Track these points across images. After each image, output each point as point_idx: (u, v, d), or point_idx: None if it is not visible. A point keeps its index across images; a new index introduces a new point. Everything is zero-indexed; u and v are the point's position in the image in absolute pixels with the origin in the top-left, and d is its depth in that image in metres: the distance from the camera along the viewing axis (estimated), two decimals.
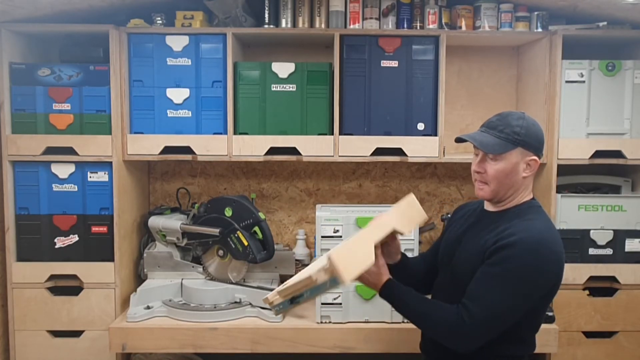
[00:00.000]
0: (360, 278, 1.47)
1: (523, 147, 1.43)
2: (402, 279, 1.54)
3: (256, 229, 2.10)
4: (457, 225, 1.62)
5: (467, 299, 1.39)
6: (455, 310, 1.40)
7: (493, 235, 1.42)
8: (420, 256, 1.84)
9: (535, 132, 1.45)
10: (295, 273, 2.30)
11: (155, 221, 2.23)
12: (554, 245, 1.39)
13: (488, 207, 1.55)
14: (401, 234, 1.54)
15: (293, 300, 1.40)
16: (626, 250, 2.13)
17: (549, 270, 1.38)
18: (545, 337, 1.94)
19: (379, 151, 2.15)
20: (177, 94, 2.13)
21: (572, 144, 2.12)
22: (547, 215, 1.49)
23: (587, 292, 2.15)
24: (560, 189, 2.17)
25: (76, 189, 2.11)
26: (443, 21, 2.24)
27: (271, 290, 2.05)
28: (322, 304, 2.00)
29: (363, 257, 1.36)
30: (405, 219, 1.56)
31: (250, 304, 2.08)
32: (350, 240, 1.39)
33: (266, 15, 2.22)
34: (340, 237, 1.98)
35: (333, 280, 1.28)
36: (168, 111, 2.14)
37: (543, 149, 1.48)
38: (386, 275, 1.51)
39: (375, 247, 1.44)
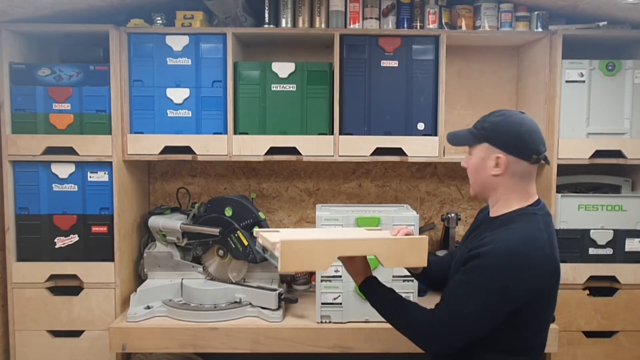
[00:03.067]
0: (344, 266, 1.52)
1: (489, 142, 1.41)
2: (426, 282, 1.57)
3: (256, 228, 2.10)
4: (469, 228, 1.63)
5: (439, 302, 1.42)
6: (428, 313, 1.41)
7: (475, 242, 1.40)
8: (449, 254, 1.82)
9: (508, 129, 1.39)
10: (296, 273, 2.33)
11: (155, 221, 2.23)
12: (528, 257, 1.33)
13: (491, 212, 1.51)
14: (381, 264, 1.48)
15: (264, 250, 1.46)
16: (626, 250, 2.13)
17: (520, 281, 1.32)
18: None
19: (379, 151, 2.15)
20: (177, 94, 2.13)
21: (572, 144, 2.12)
22: (537, 223, 1.39)
23: (587, 291, 2.15)
24: (560, 188, 2.17)
25: (76, 189, 2.11)
26: (443, 21, 2.24)
27: (271, 290, 2.07)
28: (322, 304, 2.00)
29: (313, 263, 1.36)
30: (397, 255, 1.47)
31: (250, 303, 2.08)
32: (324, 238, 1.38)
33: (266, 15, 2.22)
34: None
35: (277, 259, 1.32)
36: (168, 111, 2.14)
37: (522, 149, 1.39)
38: (365, 273, 1.53)
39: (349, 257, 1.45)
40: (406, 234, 1.57)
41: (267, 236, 1.45)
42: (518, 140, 1.39)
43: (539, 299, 1.38)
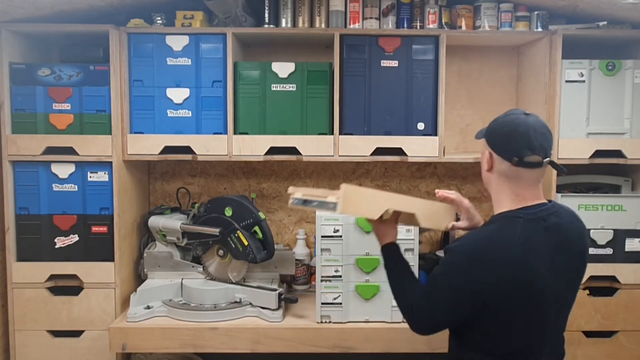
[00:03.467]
0: (374, 227, 1.60)
1: (486, 138, 1.45)
2: None
3: (256, 228, 2.10)
4: None
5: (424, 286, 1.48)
6: (417, 294, 1.47)
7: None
8: None
9: (497, 128, 1.41)
10: (296, 273, 2.34)
11: (155, 221, 2.23)
12: (483, 259, 1.34)
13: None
14: (417, 224, 1.60)
15: (305, 202, 1.58)
16: (626, 249, 2.13)
17: (473, 282, 1.35)
18: None
19: (379, 151, 2.15)
20: (177, 94, 2.13)
21: (572, 144, 2.12)
22: (514, 226, 1.37)
23: (587, 291, 2.15)
24: (560, 188, 2.17)
25: (76, 189, 2.11)
26: (443, 21, 2.24)
27: (271, 290, 2.07)
28: (322, 303, 2.00)
29: (368, 209, 1.49)
30: (431, 217, 1.63)
31: (251, 303, 2.08)
32: (378, 191, 1.54)
33: (266, 15, 2.22)
34: (341, 236, 1.98)
35: (334, 204, 1.43)
36: (168, 111, 2.14)
37: (504, 149, 1.39)
38: (392, 238, 1.58)
39: (398, 212, 1.56)
40: (445, 198, 1.65)
41: (311, 191, 1.60)
42: (502, 140, 1.40)
43: (499, 302, 1.36)
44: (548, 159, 1.39)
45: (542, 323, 1.41)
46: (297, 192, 1.62)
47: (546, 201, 1.44)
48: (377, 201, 1.51)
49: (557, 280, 1.39)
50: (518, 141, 1.37)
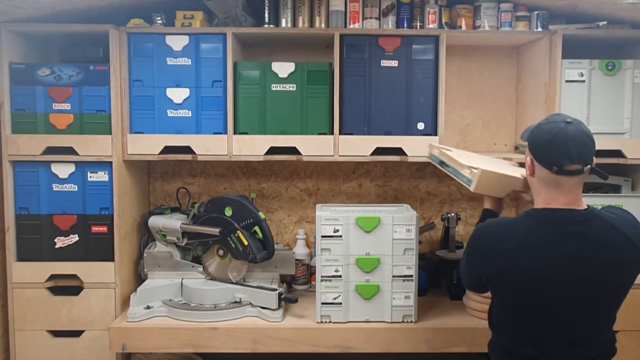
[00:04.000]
0: (486, 197, 1.74)
1: (528, 144, 1.48)
2: None
3: (256, 228, 2.10)
4: None
5: None
6: None
7: None
8: None
9: (540, 138, 1.43)
10: (296, 273, 2.34)
11: (155, 221, 2.23)
12: (480, 246, 1.50)
13: None
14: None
15: (442, 164, 1.76)
16: None
17: (474, 264, 1.53)
18: None
19: (379, 151, 2.15)
20: (177, 94, 2.13)
21: None
22: (524, 222, 1.45)
23: None
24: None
25: (76, 189, 2.11)
26: (443, 21, 2.24)
27: (271, 290, 2.07)
28: (322, 303, 2.00)
29: (496, 191, 1.68)
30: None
31: (251, 303, 2.08)
32: (504, 175, 1.64)
33: (266, 15, 2.22)
34: (340, 236, 1.98)
35: (469, 180, 1.64)
36: (168, 111, 2.14)
37: (543, 158, 1.42)
38: (498, 208, 1.73)
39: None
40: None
41: (454, 156, 1.76)
42: (542, 149, 1.43)
43: (498, 288, 1.49)
44: (589, 166, 1.40)
45: (542, 320, 1.43)
46: (435, 150, 1.82)
47: (581, 208, 1.44)
48: (504, 184, 1.65)
49: (567, 285, 1.40)
50: (557, 151, 1.39)
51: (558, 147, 1.39)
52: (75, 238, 2.12)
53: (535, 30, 2.20)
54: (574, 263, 1.40)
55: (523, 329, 1.48)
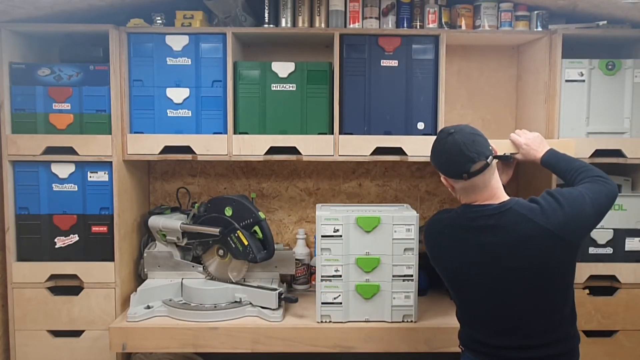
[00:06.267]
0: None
1: (438, 170, 1.68)
2: None
3: (256, 228, 2.10)
4: None
5: None
6: None
7: None
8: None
9: (439, 159, 1.63)
10: (296, 273, 2.34)
11: (155, 221, 2.23)
12: (425, 237, 1.68)
13: None
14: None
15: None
16: (626, 249, 2.13)
17: (426, 246, 1.68)
18: None
19: (379, 150, 2.14)
20: (177, 94, 2.13)
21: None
22: (442, 217, 1.65)
23: (587, 291, 2.15)
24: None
25: (76, 189, 2.11)
26: (443, 20, 2.24)
27: (271, 289, 2.07)
28: (322, 303, 2.00)
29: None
30: None
31: (251, 303, 2.08)
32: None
33: (266, 15, 2.22)
34: (340, 236, 1.98)
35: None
36: (168, 111, 2.14)
37: (451, 171, 1.58)
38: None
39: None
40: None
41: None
42: (445, 166, 1.59)
43: (437, 266, 1.67)
44: (490, 157, 1.54)
45: (475, 306, 1.61)
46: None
47: (497, 202, 1.55)
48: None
49: (483, 274, 1.55)
50: (458, 161, 1.53)
51: (457, 158, 1.52)
52: (75, 238, 2.12)
53: (535, 29, 2.20)
54: (486, 254, 1.53)
55: (466, 314, 1.65)
